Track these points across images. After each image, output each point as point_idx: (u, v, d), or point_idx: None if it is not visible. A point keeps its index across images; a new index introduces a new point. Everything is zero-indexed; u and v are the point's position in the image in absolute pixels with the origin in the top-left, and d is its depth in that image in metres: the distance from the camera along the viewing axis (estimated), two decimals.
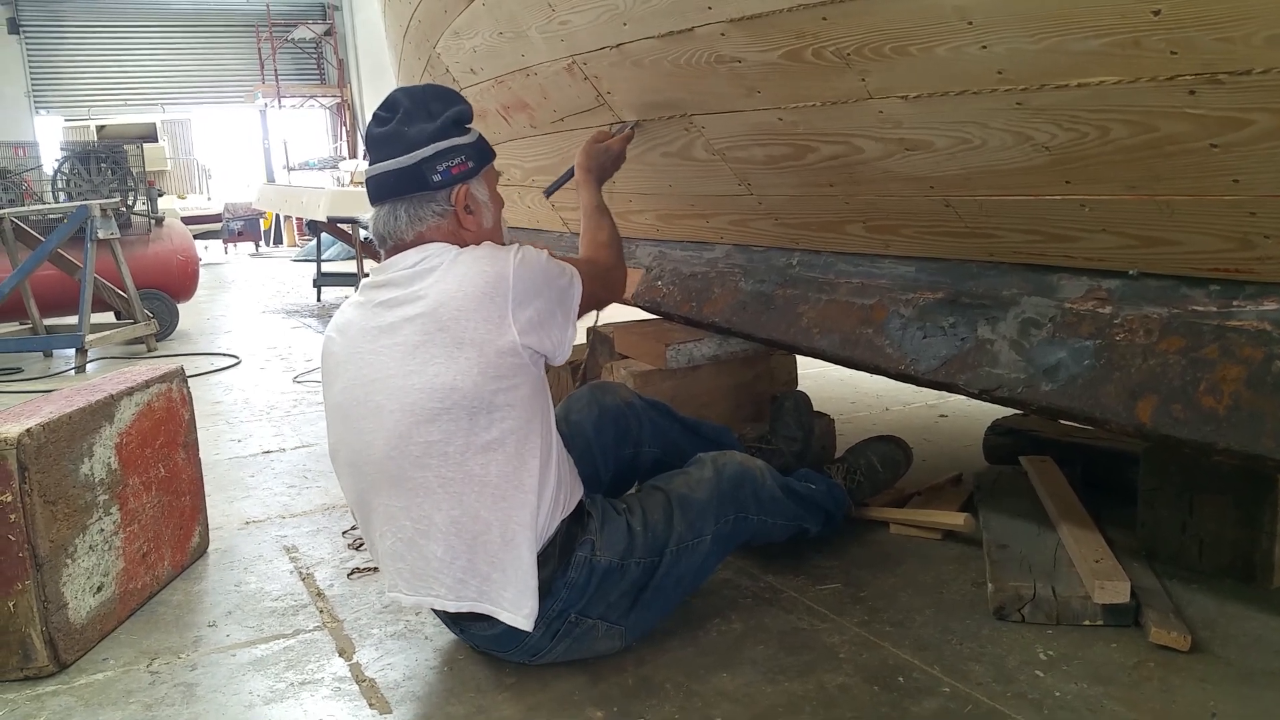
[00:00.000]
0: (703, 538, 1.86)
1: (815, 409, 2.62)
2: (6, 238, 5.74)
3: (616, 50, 2.08)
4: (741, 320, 2.30)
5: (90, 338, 5.59)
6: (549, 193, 2.43)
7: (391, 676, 1.83)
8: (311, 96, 19.00)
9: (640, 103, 2.20)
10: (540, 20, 2.20)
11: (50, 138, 16.08)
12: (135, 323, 6.10)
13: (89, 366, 5.70)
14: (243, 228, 14.65)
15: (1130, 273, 1.66)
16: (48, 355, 6.05)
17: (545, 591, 1.69)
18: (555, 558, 1.70)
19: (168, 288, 6.63)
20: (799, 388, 2.84)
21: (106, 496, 2.08)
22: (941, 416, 3.42)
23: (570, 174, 2.26)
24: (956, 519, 2.26)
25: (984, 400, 1.82)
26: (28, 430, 1.85)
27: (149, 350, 6.15)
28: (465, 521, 1.65)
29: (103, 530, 2.05)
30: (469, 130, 1.77)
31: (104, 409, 2.10)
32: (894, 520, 2.36)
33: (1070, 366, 1.68)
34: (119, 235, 5.87)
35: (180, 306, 6.95)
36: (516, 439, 1.65)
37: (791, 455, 2.40)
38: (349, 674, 1.85)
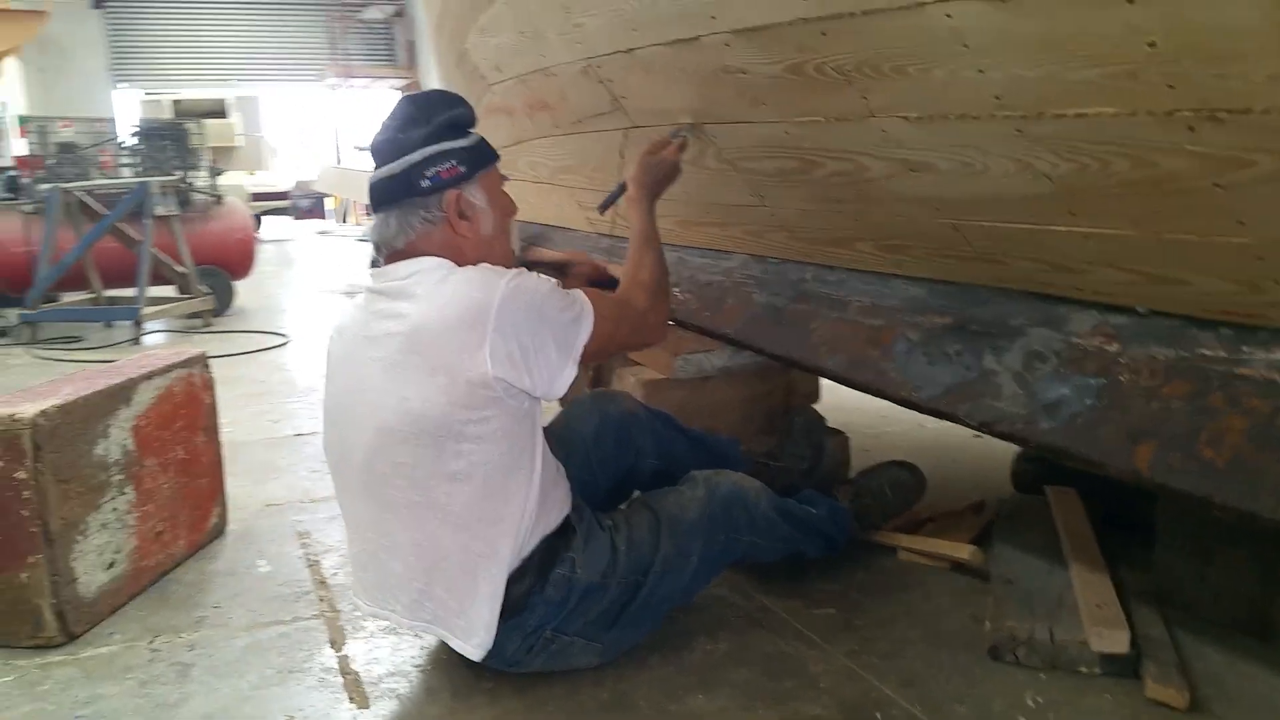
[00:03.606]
0: (689, 558, 1.83)
1: (835, 425, 2.57)
2: (72, 211, 5.90)
3: (628, 55, 2.05)
4: (752, 333, 2.26)
5: (146, 311, 5.72)
6: (603, 208, 2.25)
7: (376, 671, 1.84)
8: (380, 78, 19.17)
9: (653, 108, 2.17)
10: (557, 21, 2.18)
11: (127, 111, 16.45)
12: (192, 298, 6.23)
13: (149, 339, 5.84)
14: (310, 205, 14.89)
15: (1139, 310, 1.59)
16: (109, 325, 6.21)
17: (520, 607, 1.68)
18: (532, 574, 1.69)
19: (225, 265, 6.76)
20: (826, 399, 2.79)
21: (121, 477, 2.13)
22: (976, 436, 3.32)
23: (623, 189, 2.10)
24: (963, 550, 2.20)
25: (984, 433, 1.76)
26: (43, 411, 1.90)
27: (205, 325, 6.29)
28: (426, 545, 1.64)
29: (116, 509, 2.10)
30: (468, 134, 1.73)
31: (122, 392, 2.15)
32: (902, 546, 2.30)
33: (1072, 405, 1.61)
34: (177, 212, 5.99)
35: (242, 284, 7.09)
36: (486, 472, 1.62)
37: (799, 473, 2.36)
38: (336, 665, 1.87)
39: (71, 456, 1.96)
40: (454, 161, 1.68)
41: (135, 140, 6.66)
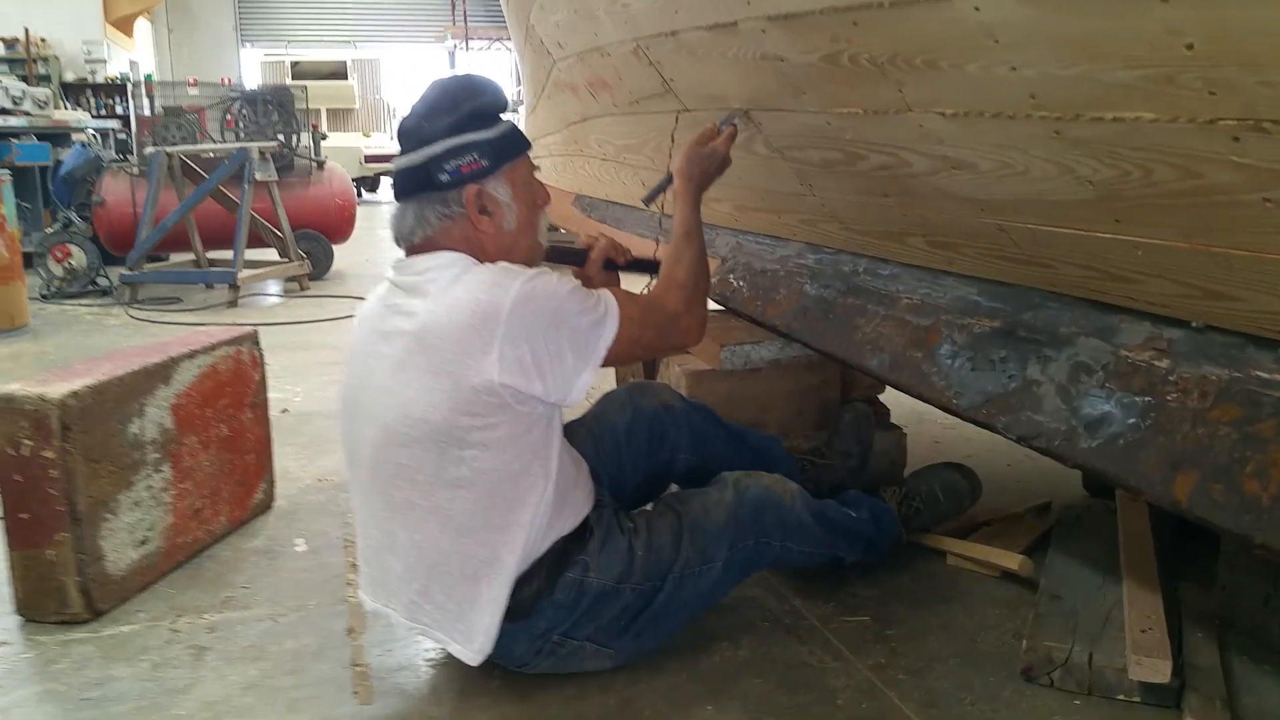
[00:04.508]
0: (713, 564, 1.77)
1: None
2: (175, 174, 6.09)
3: (673, 38, 1.97)
4: (801, 327, 2.18)
5: (243, 275, 5.88)
6: (648, 201, 2.16)
7: (387, 664, 1.83)
8: (498, 39, 19.24)
9: (702, 93, 2.09)
10: (605, 1, 2.11)
11: (252, 71, 16.89)
12: (289, 262, 6.38)
13: (253, 301, 6.00)
14: None
15: (1194, 324, 1.46)
16: (209, 287, 6.39)
17: (528, 610, 1.64)
18: (541, 577, 1.64)
19: (324, 229, 6.90)
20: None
21: (158, 455, 2.16)
22: None
23: (669, 180, 1.97)
24: (1012, 560, 2.08)
25: (1023, 446, 1.66)
26: (74, 391, 1.93)
27: (301, 289, 6.45)
28: (426, 548, 1.61)
29: (150, 487, 2.14)
30: (496, 123, 1.66)
31: (161, 371, 2.18)
32: (951, 551, 2.20)
33: (1114, 424, 1.50)
34: (276, 178, 6.12)
35: (347, 246, 7.23)
36: (491, 480, 1.57)
37: (846, 472, 2.27)
38: (348, 657, 1.86)
39: (102, 436, 1.99)
40: (476, 155, 1.62)
41: (239, 106, 6.82)
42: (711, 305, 2.75)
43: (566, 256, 2.07)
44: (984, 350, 1.76)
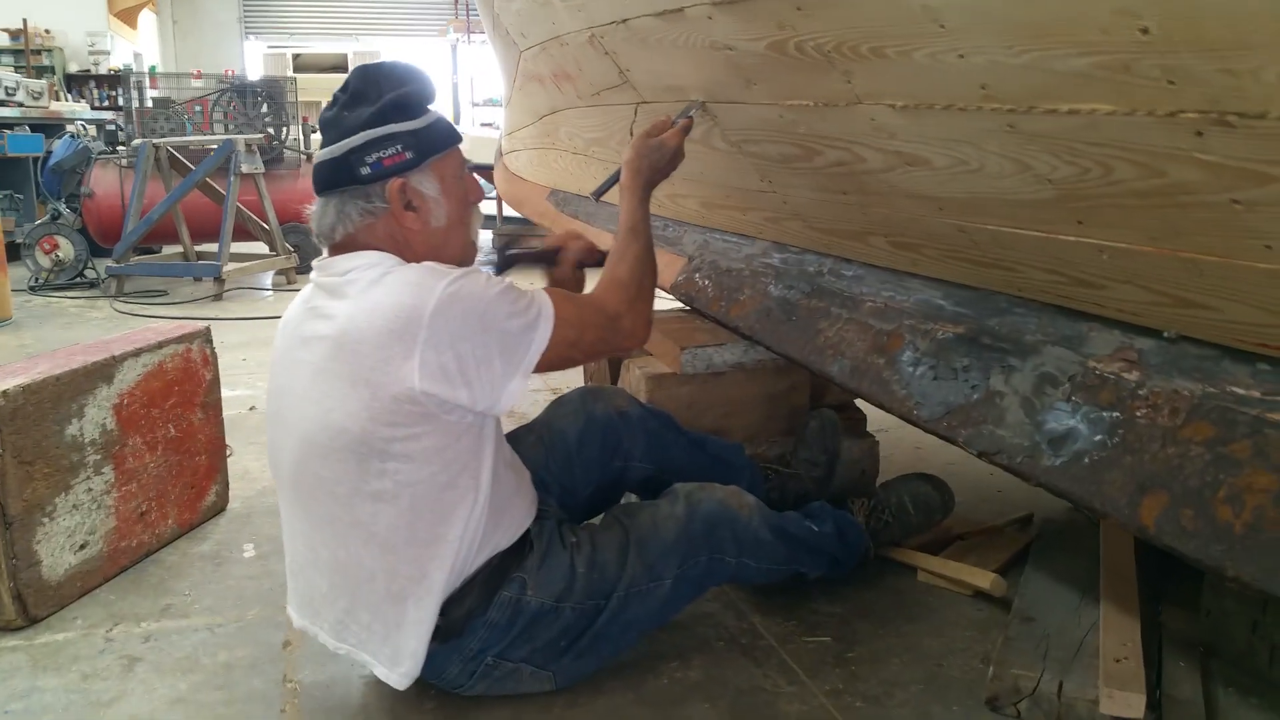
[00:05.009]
0: (661, 582, 1.67)
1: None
2: (162, 166, 6.01)
3: (625, 26, 1.87)
4: (763, 329, 2.07)
5: (229, 268, 5.80)
6: (597, 195, 2.03)
7: (318, 679, 1.75)
8: None
9: (658, 84, 1.99)
10: None
11: (255, 64, 16.80)
12: (276, 255, 6.30)
13: (248, 295, 5.91)
14: None
15: (1166, 334, 1.36)
16: (197, 280, 6.31)
17: (459, 630, 1.55)
18: (475, 595, 1.55)
19: None
20: None
21: (98, 457, 2.08)
22: None
23: (618, 176, 1.84)
24: (984, 579, 1.98)
25: (984, 461, 1.55)
26: (4, 392, 1.85)
27: (289, 283, 6.36)
28: (350, 566, 1.52)
29: (91, 490, 2.06)
30: (422, 114, 1.55)
31: (102, 370, 2.09)
32: (921, 567, 2.10)
33: (1079, 440, 1.39)
34: (262, 170, 6.03)
35: None
36: (415, 493, 1.47)
37: (812, 482, 2.16)
38: (281, 672, 1.77)
39: (37, 437, 1.91)
40: (399, 146, 1.51)
41: (229, 98, 6.72)
42: (676, 305, 2.68)
43: (534, 259, 1.97)
44: (947, 358, 1.66)
